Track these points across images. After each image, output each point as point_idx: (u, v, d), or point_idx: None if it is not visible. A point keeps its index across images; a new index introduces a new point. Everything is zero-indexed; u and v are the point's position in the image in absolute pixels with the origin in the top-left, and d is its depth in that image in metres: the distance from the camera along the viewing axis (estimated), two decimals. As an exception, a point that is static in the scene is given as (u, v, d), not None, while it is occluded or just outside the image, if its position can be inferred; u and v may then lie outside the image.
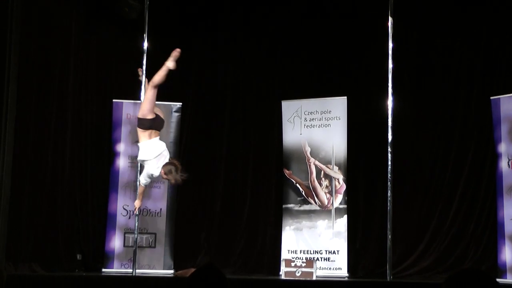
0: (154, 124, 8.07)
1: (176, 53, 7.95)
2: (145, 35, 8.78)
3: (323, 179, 9.64)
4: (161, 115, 8.26)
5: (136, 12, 9.48)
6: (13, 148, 8.28)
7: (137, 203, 8.50)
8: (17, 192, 8.51)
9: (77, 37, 9.71)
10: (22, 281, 7.92)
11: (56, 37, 9.39)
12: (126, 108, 9.84)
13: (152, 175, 8.05)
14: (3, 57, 8.14)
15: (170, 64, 7.93)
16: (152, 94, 8.05)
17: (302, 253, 9.50)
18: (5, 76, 8.14)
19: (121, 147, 9.80)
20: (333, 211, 9.50)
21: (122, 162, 9.76)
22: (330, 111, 9.76)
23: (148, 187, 9.64)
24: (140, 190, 8.41)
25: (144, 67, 8.74)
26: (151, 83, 8.04)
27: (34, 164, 8.98)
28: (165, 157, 8.00)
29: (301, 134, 9.87)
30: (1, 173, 8.03)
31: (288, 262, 8.67)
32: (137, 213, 8.73)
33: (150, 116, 8.02)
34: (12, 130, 8.23)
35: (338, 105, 9.73)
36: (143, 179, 8.19)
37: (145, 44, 8.77)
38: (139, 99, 8.70)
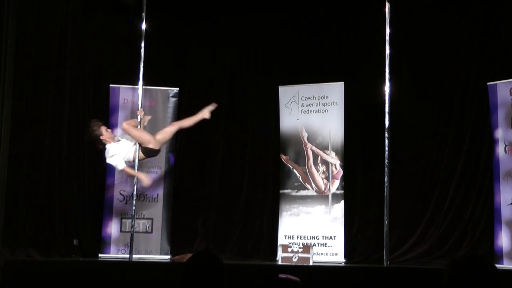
0: (151, 153, 8.44)
1: (212, 107, 8.42)
2: (143, 14, 8.72)
3: (320, 164, 9.64)
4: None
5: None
6: (10, 133, 8.26)
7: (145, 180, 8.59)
8: (14, 177, 8.51)
9: (74, 21, 9.66)
10: (19, 266, 7.92)
11: (53, 22, 9.34)
12: (123, 93, 9.81)
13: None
14: (-1, 43, 8.12)
15: (206, 115, 8.36)
16: (172, 131, 8.60)
17: (299, 238, 9.51)
18: (2, 61, 8.11)
19: (118, 132, 9.76)
20: (330, 197, 9.50)
21: (119, 147, 9.73)
22: (327, 97, 9.74)
23: (146, 172, 9.66)
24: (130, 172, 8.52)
25: (142, 50, 8.70)
26: (178, 124, 8.65)
27: (31, 149, 8.97)
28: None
29: (298, 119, 9.86)
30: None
31: (285, 248, 8.66)
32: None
33: (156, 148, 8.39)
34: (9, 116, 8.21)
35: (335, 91, 9.71)
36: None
37: (143, 25, 8.72)
38: (136, 84, 8.69)
